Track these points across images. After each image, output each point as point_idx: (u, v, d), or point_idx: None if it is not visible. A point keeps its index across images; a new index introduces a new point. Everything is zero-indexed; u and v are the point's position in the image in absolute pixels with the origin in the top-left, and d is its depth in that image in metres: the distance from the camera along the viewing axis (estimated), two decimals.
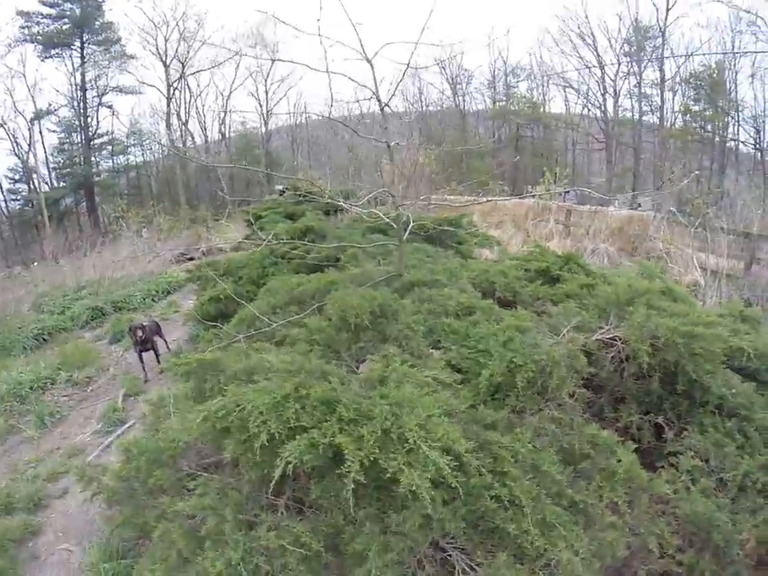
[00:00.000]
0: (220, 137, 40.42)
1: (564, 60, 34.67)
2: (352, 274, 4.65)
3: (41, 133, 35.64)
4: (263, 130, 40.45)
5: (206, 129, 40.74)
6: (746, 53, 28.32)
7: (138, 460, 3.11)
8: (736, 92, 29.77)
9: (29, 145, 34.06)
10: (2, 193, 36.18)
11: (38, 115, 34.61)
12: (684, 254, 10.29)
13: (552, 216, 14.35)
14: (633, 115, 33.22)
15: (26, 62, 34.44)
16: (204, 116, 40.57)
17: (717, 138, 30.71)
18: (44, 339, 9.52)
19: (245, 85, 40.05)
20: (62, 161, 37.06)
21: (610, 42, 32.74)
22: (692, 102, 31.65)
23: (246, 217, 11.81)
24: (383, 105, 4.27)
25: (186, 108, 38.52)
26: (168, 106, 36.66)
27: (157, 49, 35.36)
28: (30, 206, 35.23)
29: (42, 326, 9.74)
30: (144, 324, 6.91)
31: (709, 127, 30.88)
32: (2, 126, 34.24)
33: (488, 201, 9.71)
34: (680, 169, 25.16)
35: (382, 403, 2.45)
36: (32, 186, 35.14)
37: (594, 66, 33.31)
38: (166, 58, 35.48)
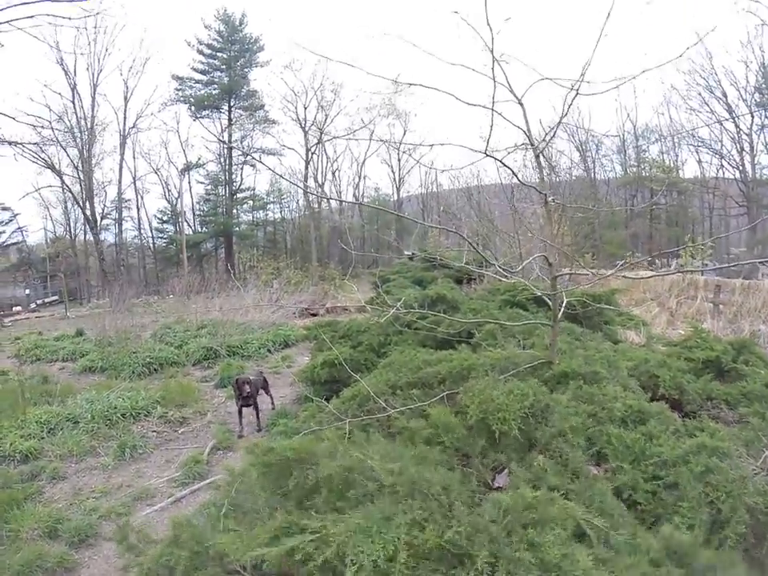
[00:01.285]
0: (354, 200, 42.43)
1: (694, 117, 32.57)
2: (493, 357, 3.87)
3: (189, 183, 39.89)
4: (395, 196, 42.15)
5: (340, 193, 42.91)
6: None
7: (182, 548, 2.52)
8: None
9: (178, 192, 38.21)
10: (152, 230, 40.80)
11: (188, 167, 38.92)
12: None
13: (699, 292, 12.65)
14: None
15: (179, 119, 39.93)
16: (339, 180, 43.00)
17: None
18: (154, 369, 9.61)
19: (378, 152, 41.87)
20: (206, 209, 41.37)
21: (739, 92, 30.22)
22: None
23: (373, 279, 11.47)
24: (538, 151, 3.58)
25: (323, 171, 41.05)
26: (306, 168, 39.10)
27: (296, 115, 38.39)
28: (174, 245, 38.84)
29: (155, 356, 9.88)
30: (251, 378, 6.59)
31: None
32: (156, 172, 38.83)
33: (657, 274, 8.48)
34: None
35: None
36: (177, 228, 38.93)
37: (726, 119, 30.73)
38: (305, 124, 38.23)
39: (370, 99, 35.96)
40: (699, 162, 33.74)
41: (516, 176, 3.70)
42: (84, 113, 33.51)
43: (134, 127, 36.72)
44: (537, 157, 3.46)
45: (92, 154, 34.16)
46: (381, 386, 3.77)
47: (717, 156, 32.44)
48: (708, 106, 31.33)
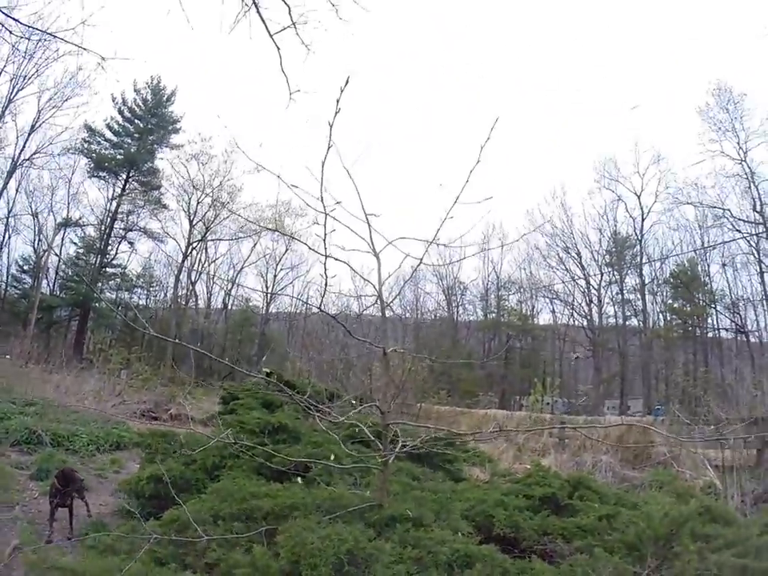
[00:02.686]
0: (222, 306, 41.89)
1: (551, 273, 38.11)
2: (321, 496, 3.86)
3: (62, 239, 37.15)
4: (264, 310, 41.91)
5: (210, 294, 42.52)
6: (714, 246, 31.52)
7: None
8: (711, 284, 32.88)
9: (48, 245, 34.97)
10: (8, 276, 36.98)
11: (67, 223, 36.24)
12: (691, 455, 9.56)
13: (546, 428, 13.60)
14: (617, 321, 35.80)
15: (75, 170, 37.24)
16: (213, 282, 42.46)
17: (698, 332, 32.92)
18: None
19: (257, 264, 42.06)
20: (70, 273, 37.78)
21: (593, 254, 36.58)
22: (671, 301, 34.68)
23: (223, 393, 11.00)
24: (385, 304, 3.90)
25: (198, 269, 40.58)
26: (182, 262, 38.53)
27: (188, 207, 38.23)
28: (26, 301, 35.10)
29: None
30: (75, 473, 5.98)
31: (690, 321, 33.06)
32: (34, 216, 35.69)
33: (498, 431, 9.03)
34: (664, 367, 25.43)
35: None
36: (35, 284, 35.47)
37: (579, 278, 36.63)
38: (193, 218, 37.98)
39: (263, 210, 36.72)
40: (552, 311, 39.15)
41: (349, 332, 3.98)
42: None
43: (28, 159, 33.88)
44: (382, 311, 3.76)
45: None
46: (203, 514, 3.65)
47: (568, 307, 37.82)
48: (564, 264, 37.14)
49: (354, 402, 5.29)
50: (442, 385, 20.52)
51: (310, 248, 3.57)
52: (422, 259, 3.59)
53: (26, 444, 9.09)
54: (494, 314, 39.10)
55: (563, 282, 37.11)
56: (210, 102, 51.48)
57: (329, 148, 3.14)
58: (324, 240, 3.33)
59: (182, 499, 3.88)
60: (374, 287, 3.66)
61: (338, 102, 3.12)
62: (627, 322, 35.44)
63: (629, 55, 55.30)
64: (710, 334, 32.85)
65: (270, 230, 31.20)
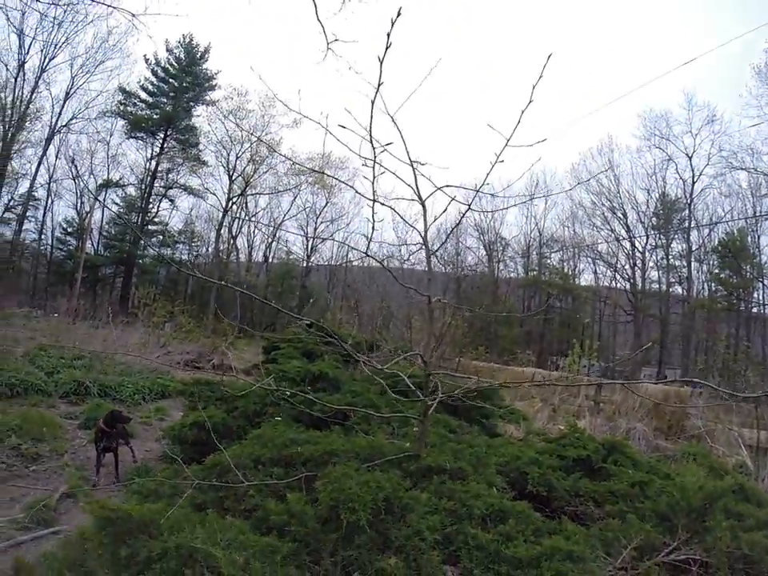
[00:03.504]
0: (263, 260, 42.12)
1: (595, 233, 36.70)
2: (359, 444, 3.85)
3: (104, 201, 37.89)
4: (304, 263, 42.14)
5: (251, 248, 42.78)
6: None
7: None
8: (760, 256, 31.05)
9: (90, 207, 35.96)
10: (53, 239, 38.40)
11: (107, 184, 36.96)
12: (726, 432, 9.33)
13: (581, 391, 13.42)
14: (660, 287, 34.37)
15: (113, 132, 37.88)
16: (253, 236, 42.82)
17: (743, 305, 31.44)
18: (17, 392, 8.79)
19: (297, 218, 42.18)
20: (114, 233, 38.90)
21: (639, 215, 34.93)
22: (717, 271, 32.74)
23: (265, 343, 11.19)
24: (431, 252, 3.77)
25: (239, 224, 40.73)
26: (223, 217, 38.74)
27: (227, 162, 38.19)
28: (72, 261, 36.41)
29: (21, 378, 9.05)
30: (123, 413, 6.25)
31: (735, 294, 31.66)
32: (74, 179, 36.69)
33: (539, 383, 8.94)
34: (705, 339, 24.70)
35: None
36: (80, 245, 36.46)
37: (624, 240, 35.05)
38: (233, 173, 37.97)
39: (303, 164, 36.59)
40: (595, 272, 37.76)
41: (395, 277, 3.88)
42: (22, 94, 31.59)
43: (66, 126, 34.87)
44: (428, 258, 3.63)
45: (16, 139, 31.89)
46: (244, 459, 3.67)
47: (611, 269, 36.40)
48: (609, 224, 35.55)
49: (393, 352, 5.25)
50: (480, 340, 20.43)
51: (357, 192, 3.45)
52: (470, 205, 3.43)
53: (75, 395, 9.46)
54: (535, 272, 38.17)
55: (607, 243, 35.81)
56: (244, 56, 51.04)
57: (379, 85, 2.98)
58: (373, 183, 3.20)
59: (224, 445, 3.90)
60: (420, 234, 3.54)
61: (388, 35, 2.93)
62: (671, 289, 34.19)
63: (687, 6, 51.65)
64: (755, 309, 31.56)
65: (315, 171, 31.01)
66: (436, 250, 3.84)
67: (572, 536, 3.02)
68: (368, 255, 3.42)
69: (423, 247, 3.70)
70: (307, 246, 42.13)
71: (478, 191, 3.59)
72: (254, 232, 42.68)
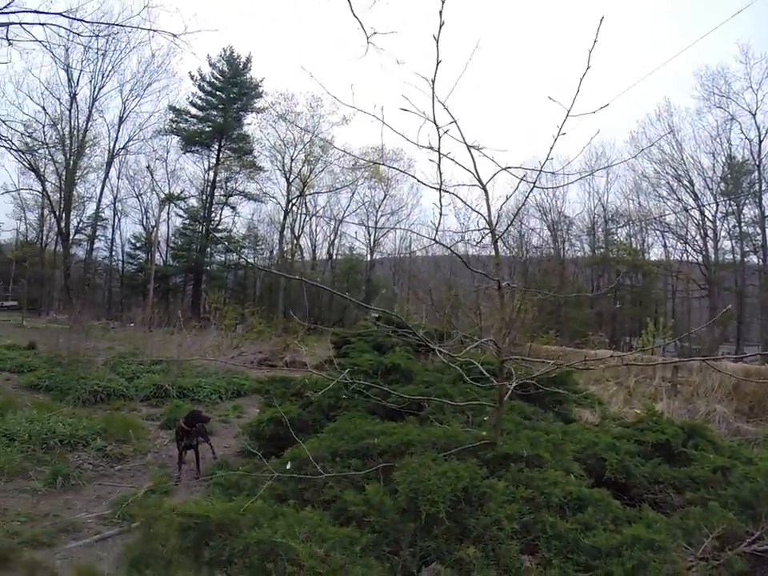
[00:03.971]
0: (327, 257, 42.78)
1: (661, 204, 34.52)
2: (435, 434, 3.83)
3: (168, 214, 39.84)
4: (368, 257, 42.48)
5: (315, 247, 43.43)
6: None
7: None
8: None
9: (156, 221, 37.91)
10: (123, 254, 40.77)
11: (170, 198, 38.70)
12: None
13: (657, 371, 12.79)
14: (734, 257, 31.89)
15: (169, 149, 39.92)
16: (315, 234, 43.50)
17: None
18: (101, 398, 9.27)
19: (357, 213, 42.59)
20: (180, 243, 40.81)
21: (706, 182, 32.34)
22: None
23: (335, 338, 11.21)
24: (497, 237, 3.67)
25: (300, 224, 41.53)
26: (284, 218, 39.72)
27: (283, 165, 39.19)
28: (143, 273, 38.39)
29: (104, 385, 9.53)
30: (202, 412, 6.52)
31: None
32: (138, 197, 38.77)
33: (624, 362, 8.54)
34: None
35: None
36: (149, 257, 38.70)
37: (693, 209, 32.73)
38: (290, 176, 38.89)
39: (356, 161, 36.86)
40: (665, 246, 35.68)
41: (465, 263, 3.79)
42: (78, 124, 33.70)
43: (123, 148, 37.06)
44: (495, 242, 3.54)
45: (78, 166, 34.18)
46: (321, 451, 3.71)
47: (681, 241, 34.24)
48: (675, 193, 33.40)
49: (464, 340, 5.18)
50: (550, 324, 19.87)
51: (418, 180, 3.39)
52: (534, 183, 3.32)
53: (155, 398, 9.91)
54: (602, 250, 36.63)
55: (675, 214, 33.61)
56: (286, 61, 51.95)
57: (438, 64, 2.93)
58: (439, 166, 3.15)
59: (300, 439, 3.96)
60: (485, 219, 3.46)
61: (440, 13, 2.88)
62: (746, 259, 31.67)
63: None
64: None
65: (373, 163, 31.19)
66: (502, 234, 3.73)
67: (652, 524, 2.90)
68: (436, 242, 3.37)
69: (488, 232, 3.62)
70: (370, 240, 42.53)
71: (541, 169, 3.44)
72: (315, 231, 43.52)
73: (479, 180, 3.40)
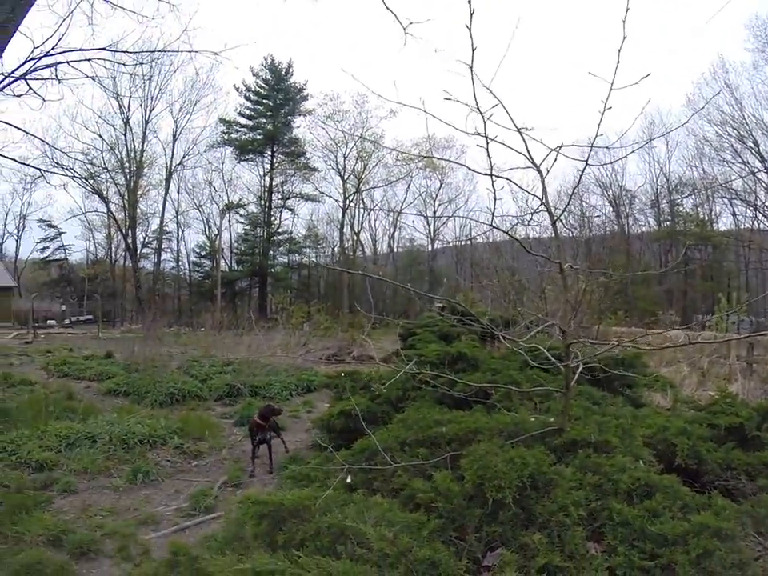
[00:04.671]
0: (388, 250, 43.25)
1: (726, 169, 31.95)
2: (502, 421, 3.87)
3: (229, 221, 41.35)
4: (429, 248, 42.60)
5: (375, 241, 43.97)
6: None
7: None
8: None
9: (218, 229, 39.61)
10: (189, 264, 42.59)
11: (229, 206, 40.18)
12: None
13: (732, 351, 12.12)
14: None
15: (224, 160, 41.43)
16: (375, 229, 43.99)
17: None
18: (177, 399, 9.71)
19: (415, 204, 42.68)
20: (243, 248, 42.45)
21: None
22: None
23: (400, 331, 11.50)
24: (555, 218, 3.63)
25: (359, 220, 42.08)
26: (343, 216, 40.44)
27: (336, 164, 39.87)
28: (209, 280, 40.14)
29: (179, 387, 9.98)
30: (275, 406, 6.70)
31: None
32: (198, 209, 40.49)
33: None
34: None
35: None
36: (214, 264, 40.26)
37: (760, 171, 30.09)
38: (344, 173, 39.53)
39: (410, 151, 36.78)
40: (734, 214, 33.37)
41: (525, 247, 3.77)
42: (134, 146, 35.59)
43: (180, 164, 38.84)
44: (553, 224, 3.52)
45: (138, 185, 36.03)
46: (390, 442, 3.78)
47: (751, 208, 31.88)
48: (741, 156, 30.80)
49: (529, 325, 5.16)
50: (618, 305, 19.17)
51: (469, 169, 3.41)
52: (587, 161, 3.28)
53: (228, 397, 10.31)
54: (668, 222, 34.75)
55: (742, 178, 31.00)
56: (326, 62, 52.38)
57: (473, 51, 2.96)
58: (487, 150, 3.16)
59: (370, 431, 4.01)
60: (541, 201, 3.45)
61: (469, 1, 2.91)
62: None
63: None
64: None
65: (426, 157, 31.18)
66: (561, 215, 3.68)
67: (721, 512, 2.78)
68: (495, 227, 3.38)
69: (547, 214, 3.59)
70: (429, 230, 42.51)
71: (592, 145, 3.40)
72: (375, 225, 44.06)
73: (532, 162, 3.37)
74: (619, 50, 2.97)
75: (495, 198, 3.22)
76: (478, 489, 2.73)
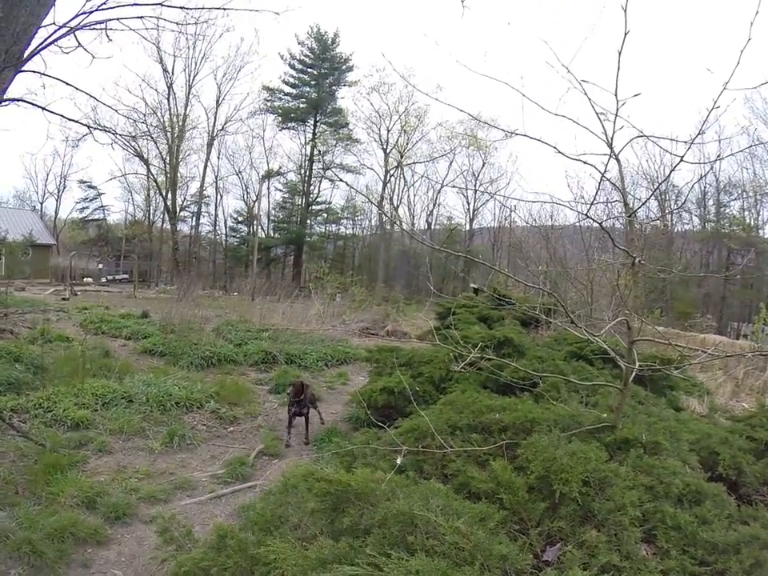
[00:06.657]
0: (426, 226, 42.64)
1: None
2: (557, 413, 3.83)
3: (268, 189, 41.33)
4: (467, 227, 41.95)
5: (413, 217, 43.44)
6: None
7: (226, 557, 2.54)
8: None
9: (257, 196, 39.83)
10: (226, 228, 43.05)
11: (269, 174, 40.36)
12: None
13: None
14: None
15: (265, 128, 41.59)
16: (414, 205, 43.55)
17: None
18: (212, 363, 9.74)
19: (455, 182, 41.93)
20: (281, 216, 42.66)
21: None
22: None
23: (437, 309, 11.33)
24: (631, 212, 3.52)
25: (399, 194, 41.75)
26: (383, 189, 40.09)
27: (379, 137, 39.47)
28: (246, 246, 40.48)
29: (215, 351, 10.02)
30: (303, 383, 6.59)
31: None
32: (238, 174, 40.82)
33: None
34: None
35: None
36: (251, 230, 40.64)
37: None
38: (386, 146, 39.14)
39: (453, 129, 36.17)
40: None
41: (613, 241, 3.66)
42: (177, 110, 35.74)
43: (222, 130, 38.84)
44: (629, 216, 3.41)
45: (180, 149, 36.25)
46: (440, 424, 3.66)
47: None
48: None
49: (577, 316, 5.09)
50: (657, 303, 18.62)
51: (557, 150, 3.24)
52: (682, 157, 3.15)
53: (263, 364, 10.28)
54: (713, 223, 33.01)
55: None
56: (376, 34, 51.48)
57: (626, 34, 2.81)
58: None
59: (414, 410, 3.98)
60: (619, 191, 3.34)
61: None
62: None
63: None
64: None
65: (475, 138, 30.35)
66: (639, 207, 3.54)
67: None
68: (588, 217, 3.23)
69: (624, 205, 3.47)
70: (469, 209, 42.05)
71: (692, 141, 3.23)
72: (414, 200, 43.57)
73: (611, 150, 3.25)
74: (741, 52, 2.81)
75: (598, 190, 3.11)
76: (542, 481, 2.68)
